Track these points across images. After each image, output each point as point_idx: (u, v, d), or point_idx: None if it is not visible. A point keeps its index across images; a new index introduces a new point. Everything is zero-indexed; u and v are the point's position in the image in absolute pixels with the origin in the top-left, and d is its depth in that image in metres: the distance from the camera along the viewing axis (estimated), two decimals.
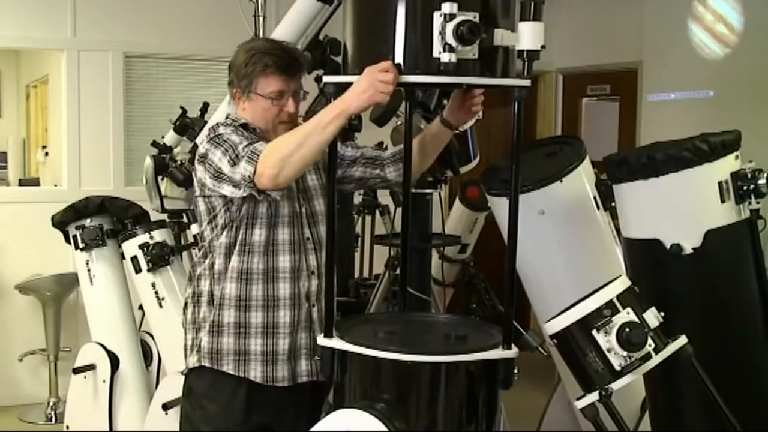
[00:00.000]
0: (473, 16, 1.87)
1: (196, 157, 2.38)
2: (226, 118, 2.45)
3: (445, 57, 1.86)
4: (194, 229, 3.55)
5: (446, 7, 1.85)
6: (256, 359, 2.34)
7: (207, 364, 2.37)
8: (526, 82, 1.96)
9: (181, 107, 3.93)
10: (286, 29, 3.10)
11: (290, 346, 2.36)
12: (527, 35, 1.93)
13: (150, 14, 5.30)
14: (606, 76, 5.97)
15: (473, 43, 1.87)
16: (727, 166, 2.22)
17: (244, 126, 2.36)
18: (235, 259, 2.34)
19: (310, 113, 3.11)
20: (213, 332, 2.36)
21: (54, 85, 6.36)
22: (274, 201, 2.31)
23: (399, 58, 1.96)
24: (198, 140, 2.42)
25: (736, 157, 2.25)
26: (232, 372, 2.35)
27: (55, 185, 5.67)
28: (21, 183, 7.09)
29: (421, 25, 1.92)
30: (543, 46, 1.94)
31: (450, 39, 1.85)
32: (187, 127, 3.88)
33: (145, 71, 5.43)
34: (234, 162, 2.22)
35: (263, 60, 2.33)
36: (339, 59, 2.29)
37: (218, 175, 2.27)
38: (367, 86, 1.99)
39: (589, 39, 5.92)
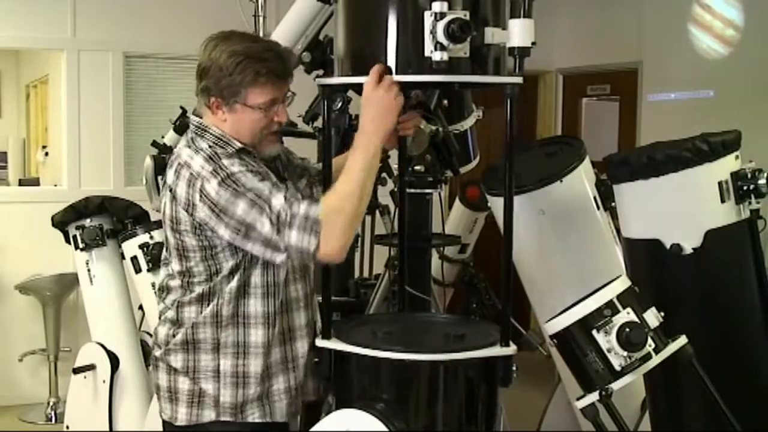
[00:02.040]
0: (464, 15, 1.88)
1: (190, 190, 1.99)
2: (203, 130, 2.09)
3: (437, 55, 1.87)
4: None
5: (437, 6, 1.87)
6: (280, 399, 2.15)
7: (229, 419, 2.10)
8: (518, 79, 1.97)
9: (181, 107, 3.92)
10: (286, 29, 3.09)
11: (304, 375, 2.20)
12: (518, 32, 1.94)
13: (150, 14, 5.30)
14: (606, 76, 5.97)
15: (464, 41, 1.88)
16: (727, 166, 2.22)
17: (242, 150, 2.06)
18: (256, 303, 2.08)
19: (310, 113, 3.12)
20: (237, 384, 2.09)
21: (54, 85, 6.36)
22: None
23: (391, 57, 1.97)
24: (182, 159, 2.06)
25: (736, 157, 2.25)
26: (258, 420, 2.12)
27: (55, 185, 5.67)
28: (21, 183, 7.10)
29: (413, 24, 1.93)
30: (534, 43, 1.95)
31: (441, 37, 1.86)
32: (187, 127, 3.86)
33: (145, 71, 5.43)
34: (278, 228, 1.91)
35: (254, 67, 2.01)
36: None
37: (246, 232, 1.94)
38: (388, 100, 1.93)
39: (589, 39, 5.92)
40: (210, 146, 2.05)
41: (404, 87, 2.06)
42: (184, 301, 2.11)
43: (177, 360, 2.12)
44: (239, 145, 2.06)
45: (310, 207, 1.94)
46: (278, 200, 1.94)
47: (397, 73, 1.96)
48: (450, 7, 1.87)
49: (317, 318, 2.26)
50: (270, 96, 2.06)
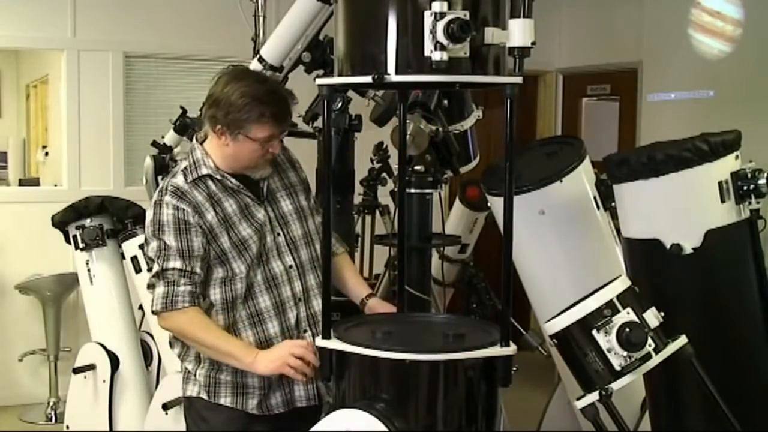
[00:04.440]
0: (463, 14, 1.88)
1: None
2: (191, 150, 2.43)
3: (437, 55, 1.87)
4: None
5: (436, 6, 1.86)
6: (253, 392, 2.37)
7: (204, 397, 2.39)
8: (518, 79, 1.97)
9: (181, 107, 3.93)
10: (286, 29, 3.09)
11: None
12: (518, 32, 1.94)
13: (150, 14, 5.30)
14: (606, 76, 5.97)
15: (464, 41, 1.88)
16: (727, 166, 2.21)
17: (207, 176, 2.35)
18: (217, 316, 2.35)
19: (310, 113, 3.12)
20: (212, 368, 2.38)
21: (54, 85, 6.36)
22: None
23: (391, 57, 1.97)
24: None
25: (736, 157, 2.25)
26: (229, 405, 2.37)
27: (55, 185, 5.67)
28: (21, 183, 7.09)
29: (412, 24, 1.93)
30: (534, 43, 1.95)
31: (441, 37, 1.86)
32: (187, 127, 3.87)
33: (145, 71, 5.44)
34: (157, 275, 2.30)
35: (259, 109, 2.29)
36: None
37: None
38: (278, 357, 2.23)
39: (589, 39, 5.93)
40: (183, 169, 2.38)
41: (404, 87, 2.07)
42: None
43: (177, 346, 2.47)
44: (206, 171, 2.36)
45: (186, 292, 2.28)
46: (172, 262, 2.28)
47: (397, 73, 1.96)
48: (450, 7, 1.87)
49: (291, 323, 2.40)
50: (269, 133, 2.33)
